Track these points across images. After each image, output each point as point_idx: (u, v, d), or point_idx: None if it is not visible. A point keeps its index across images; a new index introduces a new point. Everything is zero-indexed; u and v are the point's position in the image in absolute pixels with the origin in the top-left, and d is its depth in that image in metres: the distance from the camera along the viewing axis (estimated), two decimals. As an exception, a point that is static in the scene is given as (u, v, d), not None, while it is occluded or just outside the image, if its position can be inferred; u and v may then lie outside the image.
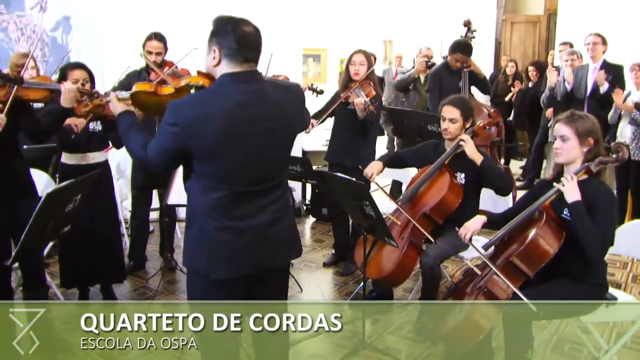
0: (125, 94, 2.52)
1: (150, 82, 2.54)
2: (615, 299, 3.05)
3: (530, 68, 8.15)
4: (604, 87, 5.63)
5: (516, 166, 8.78)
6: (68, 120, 3.70)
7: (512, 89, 8.36)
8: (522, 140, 8.98)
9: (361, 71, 4.50)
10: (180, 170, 3.69)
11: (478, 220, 3.31)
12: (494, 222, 3.35)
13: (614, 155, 2.94)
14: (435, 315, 3.25)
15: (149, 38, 4.52)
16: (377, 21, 11.12)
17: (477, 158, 3.58)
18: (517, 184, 7.13)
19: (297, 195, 6.57)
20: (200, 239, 2.26)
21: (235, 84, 2.19)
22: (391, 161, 4.19)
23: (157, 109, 2.45)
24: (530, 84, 8.10)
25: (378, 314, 4.05)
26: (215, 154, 2.16)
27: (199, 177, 2.23)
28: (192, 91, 2.42)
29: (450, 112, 3.69)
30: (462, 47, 5.57)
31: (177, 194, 3.81)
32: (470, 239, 3.14)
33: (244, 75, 2.21)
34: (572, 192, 2.82)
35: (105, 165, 4.02)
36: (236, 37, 2.18)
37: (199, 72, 2.39)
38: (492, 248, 3.20)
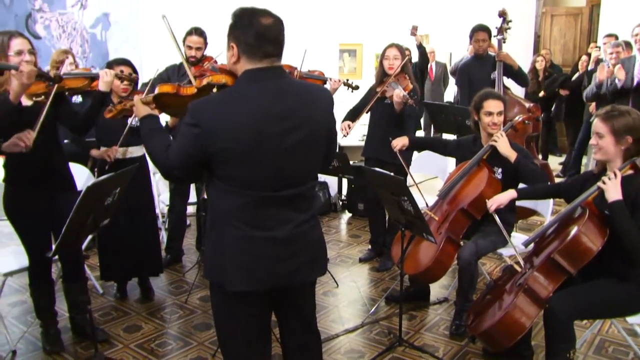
0: (148, 97, 2.48)
1: (173, 83, 2.53)
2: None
3: (584, 58, 7.95)
4: (636, 79, 5.46)
5: (555, 162, 8.60)
6: (98, 154, 3.91)
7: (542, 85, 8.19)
8: (561, 136, 8.81)
9: (395, 65, 4.47)
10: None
11: (507, 195, 3.32)
12: (526, 194, 3.39)
13: (661, 151, 2.84)
14: (473, 312, 3.20)
15: (189, 33, 4.57)
16: (413, 15, 11.01)
17: (511, 155, 3.51)
18: (557, 180, 6.98)
19: (333, 191, 6.57)
20: (219, 249, 2.15)
21: (256, 82, 2.06)
22: (424, 144, 4.32)
23: (181, 111, 2.33)
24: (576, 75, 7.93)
25: (414, 311, 4.01)
26: (236, 156, 2.03)
27: (219, 180, 2.11)
28: (215, 90, 2.34)
29: (496, 105, 3.64)
30: (479, 26, 5.54)
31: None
32: (510, 234, 3.08)
33: (265, 72, 2.07)
34: (613, 191, 2.74)
35: (143, 159, 4.07)
36: (253, 31, 2.03)
37: (221, 70, 2.32)
38: (532, 245, 3.14)
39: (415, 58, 7.76)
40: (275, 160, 2.07)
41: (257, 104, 2.04)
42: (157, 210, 4.97)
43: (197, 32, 4.58)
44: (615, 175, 2.77)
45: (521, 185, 3.57)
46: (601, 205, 2.83)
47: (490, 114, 3.63)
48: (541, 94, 8.10)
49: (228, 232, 2.12)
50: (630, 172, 2.82)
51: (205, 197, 3.80)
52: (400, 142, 4.09)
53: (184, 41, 4.55)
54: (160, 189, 5.41)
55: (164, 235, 5.19)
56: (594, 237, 2.77)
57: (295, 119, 2.08)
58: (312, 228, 2.24)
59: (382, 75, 4.58)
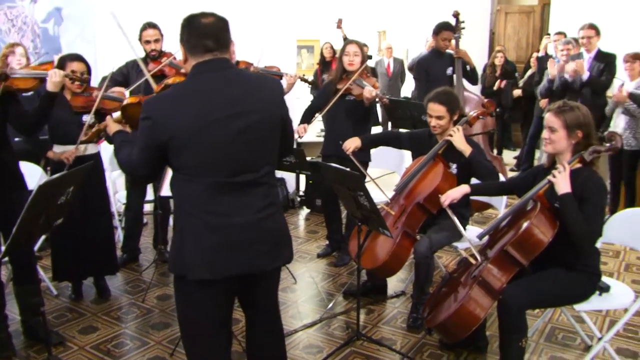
0: (117, 114, 2.62)
1: (137, 95, 2.64)
2: (608, 287, 3.06)
3: (535, 55, 8.14)
4: (585, 75, 5.64)
5: (510, 156, 8.79)
6: (55, 156, 3.85)
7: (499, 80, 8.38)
8: (515, 131, 9.00)
9: (355, 61, 4.47)
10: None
11: (460, 190, 3.39)
12: (478, 191, 3.48)
13: (607, 144, 2.93)
14: (429, 304, 3.25)
15: (143, 29, 4.53)
16: (371, 12, 11.09)
17: (466, 149, 3.57)
18: (512, 174, 7.14)
19: (290, 187, 6.57)
20: (179, 239, 2.21)
21: (201, 73, 2.18)
22: (378, 141, 4.30)
23: None
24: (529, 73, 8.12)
25: (372, 305, 4.05)
26: (187, 143, 2.11)
27: (177, 171, 2.19)
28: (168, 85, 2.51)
29: (436, 109, 3.67)
30: (446, 26, 5.60)
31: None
32: (466, 229, 3.14)
33: (209, 63, 2.18)
34: (562, 184, 2.82)
35: (97, 157, 4.00)
36: (193, 30, 2.19)
37: (177, 73, 2.44)
38: (486, 237, 3.21)
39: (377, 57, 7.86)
40: (225, 146, 2.14)
41: (202, 92, 2.15)
42: (113, 209, 4.91)
43: (151, 25, 4.54)
44: (564, 168, 2.85)
45: (475, 181, 3.65)
46: (552, 198, 2.91)
47: (430, 117, 3.69)
48: (496, 86, 8.30)
49: (187, 222, 2.19)
50: (578, 165, 2.91)
51: (162, 194, 3.79)
52: (352, 144, 4.08)
53: (140, 39, 4.49)
54: (117, 187, 5.33)
55: (120, 234, 5.12)
56: (545, 229, 2.85)
57: (243, 105, 2.17)
58: (271, 215, 2.27)
59: (342, 72, 4.56)
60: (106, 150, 4.42)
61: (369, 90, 4.31)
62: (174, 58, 4.30)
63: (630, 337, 3.61)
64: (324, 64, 8.26)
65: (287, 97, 2.64)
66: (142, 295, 4.18)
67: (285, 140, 2.42)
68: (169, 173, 3.80)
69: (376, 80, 4.59)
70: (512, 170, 7.83)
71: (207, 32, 2.18)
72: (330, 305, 4.02)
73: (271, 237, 2.27)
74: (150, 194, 4.87)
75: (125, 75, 4.53)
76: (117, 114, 2.67)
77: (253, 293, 2.40)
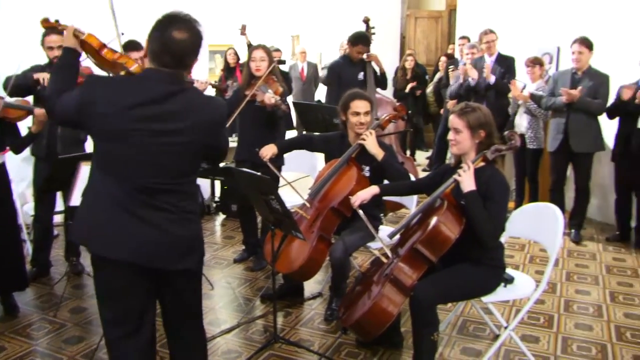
0: (80, 32, 2.48)
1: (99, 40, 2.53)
2: (512, 278, 3.23)
3: (443, 59, 8.43)
4: (491, 79, 5.93)
5: (422, 157, 9.06)
6: None
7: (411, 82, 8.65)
8: (428, 131, 9.30)
9: (262, 67, 4.47)
10: (82, 170, 3.61)
11: (369, 191, 3.47)
12: (388, 191, 3.57)
13: (508, 143, 3.09)
14: (344, 304, 3.32)
15: (46, 34, 4.32)
16: (285, 16, 11.14)
17: (379, 153, 3.67)
18: (425, 174, 7.37)
19: (205, 193, 6.51)
20: (85, 211, 2.27)
21: (148, 79, 2.20)
22: (292, 145, 4.29)
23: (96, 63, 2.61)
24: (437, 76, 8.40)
25: (290, 307, 4.09)
26: (106, 137, 2.17)
27: (95, 154, 2.27)
28: (122, 73, 2.50)
29: (364, 105, 3.77)
30: (363, 39, 5.73)
31: (81, 195, 3.68)
32: (377, 227, 3.22)
33: (161, 74, 2.19)
34: (467, 182, 2.95)
35: (2, 168, 3.84)
36: (160, 41, 2.18)
37: (139, 60, 2.44)
38: (397, 236, 3.30)
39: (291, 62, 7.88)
40: (143, 150, 2.16)
41: (137, 97, 2.15)
42: (21, 221, 4.70)
43: (54, 30, 4.35)
44: (469, 167, 2.99)
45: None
46: (458, 196, 3.03)
47: (357, 114, 3.77)
48: (408, 88, 8.55)
49: (94, 199, 2.24)
50: (482, 164, 3.05)
51: (71, 204, 3.67)
52: (269, 152, 4.07)
53: (42, 44, 4.29)
54: (25, 199, 5.12)
55: (29, 248, 4.91)
56: (452, 226, 2.96)
57: (173, 123, 2.18)
58: (178, 221, 2.27)
59: (250, 78, 4.55)
60: (12, 161, 4.24)
61: (269, 97, 4.30)
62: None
63: (533, 324, 3.82)
64: (228, 70, 8.20)
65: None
66: (54, 310, 4.03)
67: (209, 159, 2.51)
68: (80, 183, 3.72)
69: (282, 84, 4.58)
70: (424, 170, 8.07)
71: (172, 50, 2.17)
72: (248, 309, 4.02)
73: (175, 240, 2.27)
74: (60, 205, 4.70)
75: (27, 79, 4.25)
76: (78, 31, 2.46)
77: (164, 294, 2.40)
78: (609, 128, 5.45)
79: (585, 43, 5.24)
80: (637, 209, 5.42)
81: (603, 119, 5.37)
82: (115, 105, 2.14)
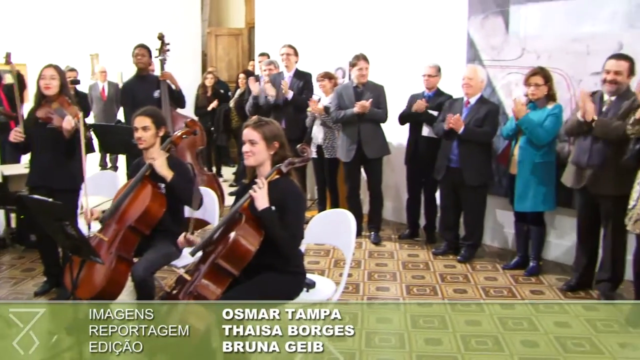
0: None
1: None
2: (314, 283, 3.38)
3: (242, 76, 8.58)
4: (289, 95, 6.19)
5: (229, 172, 9.14)
6: None
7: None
8: (232, 147, 9.41)
9: (52, 85, 4.24)
10: None
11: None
12: None
13: (301, 157, 3.25)
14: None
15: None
16: (82, 35, 10.69)
17: (167, 175, 3.67)
18: (231, 189, 7.47)
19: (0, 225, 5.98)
20: None
21: None
22: None
23: None
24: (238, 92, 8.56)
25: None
26: None
27: None
28: None
29: (141, 121, 3.73)
30: (139, 45, 5.74)
31: None
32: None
33: None
34: (260, 200, 3.04)
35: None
36: None
37: None
38: (200, 252, 3.30)
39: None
40: None
41: None
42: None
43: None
44: (263, 184, 3.08)
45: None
46: (254, 210, 3.10)
47: (136, 129, 3.74)
48: (210, 107, 8.63)
49: None
50: (277, 177, 3.17)
51: None
52: None
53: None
54: None
55: None
56: (251, 239, 3.03)
57: None
58: None
59: (41, 97, 4.29)
60: None
61: (68, 121, 4.07)
62: None
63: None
64: None
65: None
66: None
67: None
68: None
69: (74, 103, 4.37)
70: (231, 185, 8.15)
71: None
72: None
73: None
74: None
75: None
76: None
77: None
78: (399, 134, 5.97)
79: (366, 59, 5.71)
80: (425, 207, 5.94)
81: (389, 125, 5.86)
82: None
